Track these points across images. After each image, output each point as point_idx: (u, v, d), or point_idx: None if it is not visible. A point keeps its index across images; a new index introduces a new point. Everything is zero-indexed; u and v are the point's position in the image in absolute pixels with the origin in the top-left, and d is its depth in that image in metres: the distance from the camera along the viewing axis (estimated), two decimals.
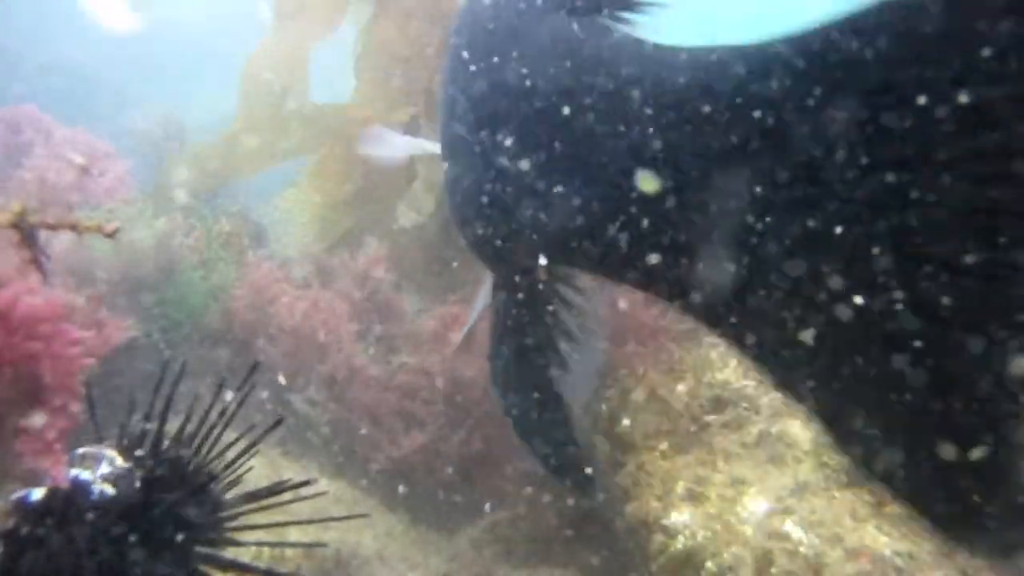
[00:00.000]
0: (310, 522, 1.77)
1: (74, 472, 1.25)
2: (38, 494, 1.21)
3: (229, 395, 1.60)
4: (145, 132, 5.48)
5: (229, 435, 1.53)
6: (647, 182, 1.27)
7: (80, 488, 1.24)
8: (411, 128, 4.20)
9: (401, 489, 3.00)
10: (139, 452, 1.38)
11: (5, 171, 2.87)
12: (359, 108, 4.12)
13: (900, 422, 1.14)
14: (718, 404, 2.31)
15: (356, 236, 4.13)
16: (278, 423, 1.57)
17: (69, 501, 1.22)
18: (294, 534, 2.30)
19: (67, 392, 1.17)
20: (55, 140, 3.00)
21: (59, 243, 2.81)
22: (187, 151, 4.58)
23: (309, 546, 2.13)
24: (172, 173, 4.40)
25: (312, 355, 3.07)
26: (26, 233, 0.90)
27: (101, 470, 1.28)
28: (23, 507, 1.20)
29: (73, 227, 0.88)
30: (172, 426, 1.52)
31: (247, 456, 1.53)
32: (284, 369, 3.03)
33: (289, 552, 2.16)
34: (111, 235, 0.88)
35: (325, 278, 3.45)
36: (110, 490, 1.25)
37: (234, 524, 1.47)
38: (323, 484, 2.30)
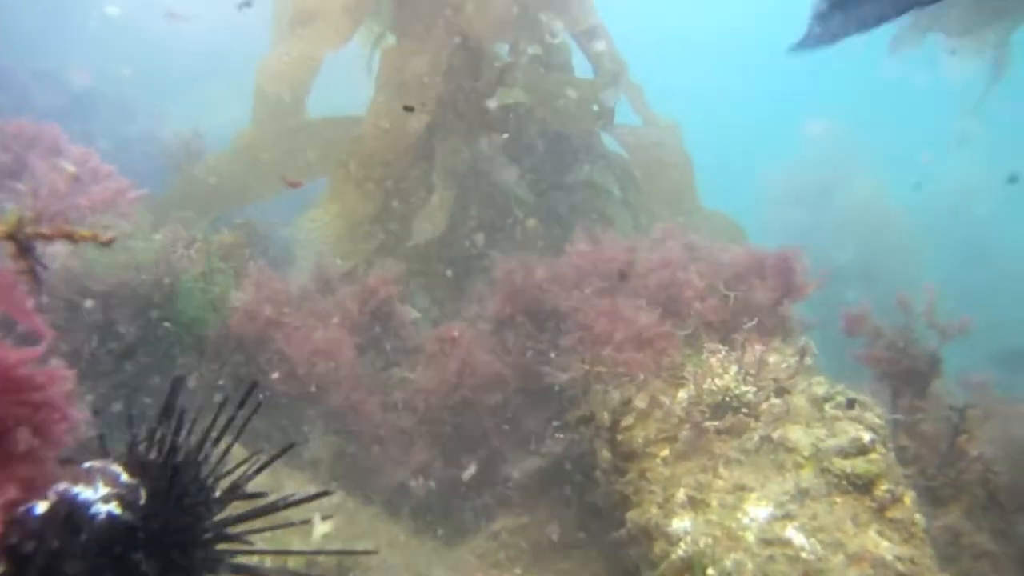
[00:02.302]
0: (316, 553, 1.77)
1: (76, 490, 1.25)
2: (41, 507, 1.21)
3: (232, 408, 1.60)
4: (163, 144, 5.49)
5: (226, 443, 1.53)
6: None
7: (82, 507, 1.23)
8: (427, 135, 4.23)
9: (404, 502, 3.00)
10: (146, 467, 1.37)
11: (13, 184, 2.89)
12: (376, 118, 4.14)
13: None
14: (719, 410, 2.31)
15: (377, 255, 4.16)
16: (290, 447, 1.58)
17: (71, 520, 1.21)
18: (296, 543, 2.30)
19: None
20: (63, 156, 3.02)
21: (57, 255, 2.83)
22: (203, 166, 4.60)
23: (312, 553, 2.13)
24: (186, 189, 4.43)
25: (314, 390, 3.07)
26: (22, 243, 0.90)
27: (108, 487, 1.28)
28: (26, 520, 1.20)
29: (69, 236, 0.89)
30: (176, 439, 1.52)
31: (252, 469, 1.53)
32: (285, 391, 3.03)
33: (291, 562, 2.15)
34: (107, 244, 0.88)
35: (327, 292, 3.45)
36: (116, 510, 1.25)
37: (238, 538, 1.47)
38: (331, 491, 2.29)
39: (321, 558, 2.19)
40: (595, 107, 4.46)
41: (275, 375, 3.00)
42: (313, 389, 3.03)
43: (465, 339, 3.10)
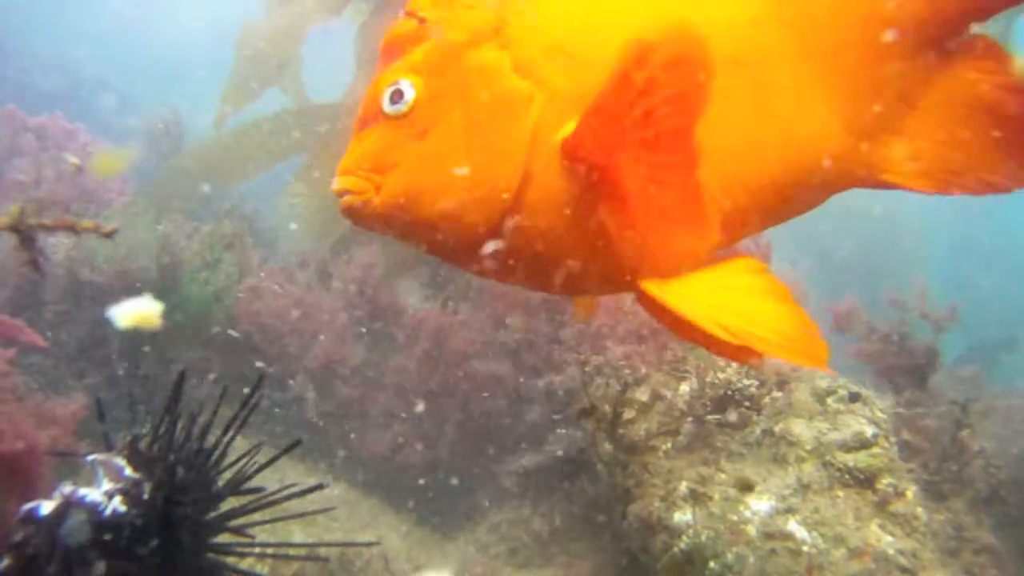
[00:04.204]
0: (317, 545, 1.78)
1: (82, 492, 1.25)
2: (46, 508, 1.21)
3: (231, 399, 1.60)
4: (147, 132, 5.45)
5: (229, 436, 1.53)
6: None
7: (88, 509, 1.23)
8: None
9: (404, 494, 3.00)
10: (149, 461, 1.37)
11: (4, 172, 2.89)
12: (353, 94, 4.10)
13: None
14: (721, 404, 2.31)
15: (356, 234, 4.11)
16: (296, 444, 1.58)
17: (76, 519, 1.21)
18: (298, 535, 2.31)
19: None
20: (52, 139, 3.00)
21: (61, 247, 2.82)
22: (190, 152, 4.56)
23: (314, 546, 2.14)
24: (173, 175, 4.39)
25: (304, 356, 3.07)
26: (25, 235, 0.90)
27: (111, 482, 1.28)
28: (32, 520, 1.20)
29: (71, 227, 0.89)
30: (179, 432, 1.52)
31: (253, 460, 1.53)
32: (280, 368, 3.03)
33: (292, 552, 2.16)
34: (109, 235, 0.88)
35: (324, 278, 3.45)
36: (120, 506, 1.25)
37: (240, 526, 1.47)
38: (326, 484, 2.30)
39: (322, 550, 2.19)
40: None
41: (272, 350, 3.00)
42: (293, 348, 3.03)
43: (433, 323, 3.07)
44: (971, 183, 1.01)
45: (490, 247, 1.01)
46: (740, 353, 1.00)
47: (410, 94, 0.99)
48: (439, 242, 1.03)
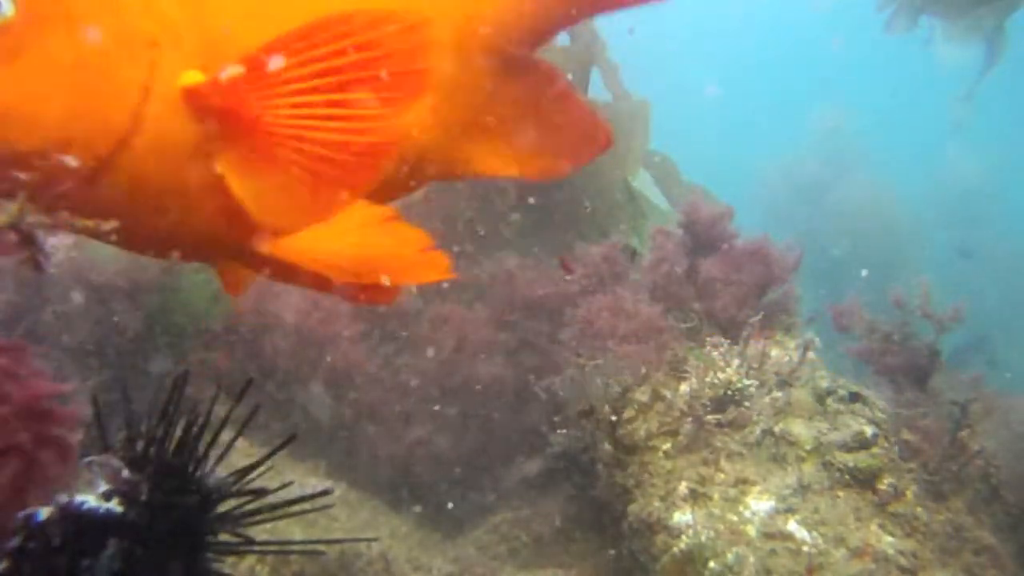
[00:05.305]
0: (317, 542, 1.78)
1: (80, 500, 1.24)
2: (45, 513, 1.21)
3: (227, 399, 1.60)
4: None
5: (228, 436, 1.53)
6: None
7: (87, 516, 1.23)
8: None
9: (405, 494, 3.00)
10: (145, 461, 1.37)
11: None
12: None
13: None
14: (721, 404, 2.31)
15: None
16: (291, 439, 1.57)
17: (75, 521, 1.21)
18: (299, 535, 2.31)
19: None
20: None
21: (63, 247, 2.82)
22: None
23: (314, 542, 2.13)
24: None
25: (313, 354, 3.07)
26: (25, 234, 0.89)
27: (109, 483, 1.28)
28: (30, 525, 1.20)
29: (71, 227, 0.88)
30: (179, 432, 1.52)
31: (251, 460, 1.53)
32: (286, 367, 3.02)
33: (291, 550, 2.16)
34: (109, 234, 0.88)
35: None
36: (117, 508, 1.25)
37: (239, 527, 1.47)
38: (326, 484, 2.30)
39: (321, 547, 2.19)
40: (568, 76, 4.36)
41: (276, 348, 2.99)
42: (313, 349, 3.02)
43: (457, 321, 3.08)
44: (535, 171, 1.23)
45: (101, 187, 0.94)
46: (377, 294, 1.10)
47: (6, 8, 0.86)
48: (39, 176, 0.92)
